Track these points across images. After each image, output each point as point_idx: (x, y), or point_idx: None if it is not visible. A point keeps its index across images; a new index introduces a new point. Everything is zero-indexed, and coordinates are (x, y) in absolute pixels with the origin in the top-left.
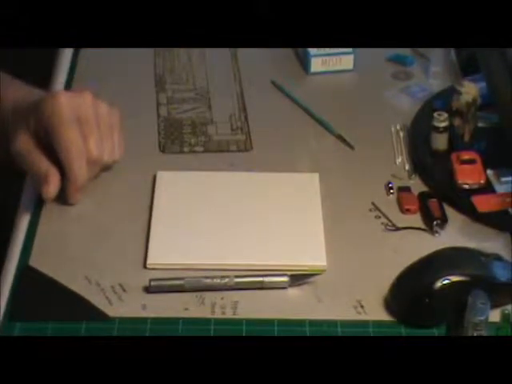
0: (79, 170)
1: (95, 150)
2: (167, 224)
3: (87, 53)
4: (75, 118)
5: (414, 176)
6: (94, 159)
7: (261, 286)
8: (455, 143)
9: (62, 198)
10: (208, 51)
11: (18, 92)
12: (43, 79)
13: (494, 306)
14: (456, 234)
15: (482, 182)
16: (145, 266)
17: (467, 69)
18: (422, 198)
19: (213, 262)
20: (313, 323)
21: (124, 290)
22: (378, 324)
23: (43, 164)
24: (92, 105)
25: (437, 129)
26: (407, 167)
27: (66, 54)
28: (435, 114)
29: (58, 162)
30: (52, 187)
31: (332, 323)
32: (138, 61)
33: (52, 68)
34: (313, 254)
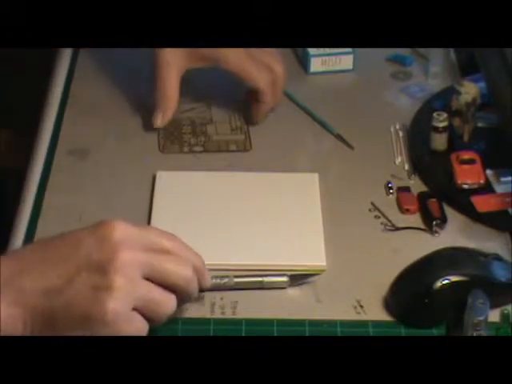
0: None
1: None
2: (167, 224)
3: (87, 53)
4: None
5: (413, 176)
6: None
7: (260, 286)
8: (455, 143)
9: (62, 197)
10: None
11: None
12: (43, 79)
13: (494, 305)
14: (455, 234)
15: (481, 182)
16: None
17: (467, 69)
18: (422, 198)
19: (212, 261)
20: (312, 323)
21: None
22: (378, 324)
23: None
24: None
25: (436, 129)
26: (407, 167)
27: (66, 54)
28: (435, 114)
29: None
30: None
31: (331, 323)
32: (138, 61)
33: (52, 68)
34: (312, 254)
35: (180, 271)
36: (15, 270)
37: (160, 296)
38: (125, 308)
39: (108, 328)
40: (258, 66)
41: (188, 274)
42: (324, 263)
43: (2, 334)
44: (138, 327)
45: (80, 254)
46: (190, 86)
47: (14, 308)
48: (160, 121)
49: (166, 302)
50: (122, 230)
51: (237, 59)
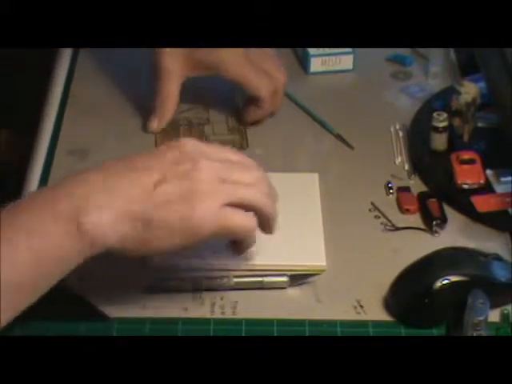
0: None
1: None
2: None
3: (87, 53)
4: None
5: (413, 176)
6: None
7: (260, 286)
8: (455, 143)
9: None
10: None
11: None
12: (43, 79)
13: (494, 305)
14: (455, 234)
15: (481, 182)
16: (144, 264)
17: (467, 69)
18: (422, 197)
19: (212, 262)
20: (312, 323)
21: (123, 290)
22: (378, 324)
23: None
24: None
25: (436, 129)
26: (407, 167)
27: (66, 54)
28: (435, 114)
29: None
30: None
31: (331, 323)
32: (138, 61)
33: (52, 68)
34: (312, 254)
35: (247, 177)
36: (105, 176)
37: (244, 192)
38: (217, 206)
39: (207, 229)
40: (259, 73)
41: (257, 174)
42: (324, 263)
43: (95, 242)
44: (241, 219)
45: (165, 164)
46: (188, 86)
47: (106, 212)
48: (156, 126)
49: (252, 199)
50: (196, 145)
51: (237, 67)
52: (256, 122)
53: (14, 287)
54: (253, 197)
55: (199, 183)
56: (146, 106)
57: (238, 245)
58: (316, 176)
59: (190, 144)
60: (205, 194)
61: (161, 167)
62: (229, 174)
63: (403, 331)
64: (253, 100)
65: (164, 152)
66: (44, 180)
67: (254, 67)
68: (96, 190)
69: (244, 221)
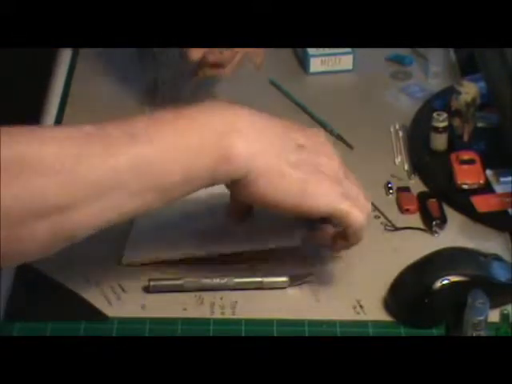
0: None
1: None
2: (150, 219)
3: (87, 53)
4: None
5: (413, 176)
6: None
7: (260, 286)
8: (454, 143)
9: None
10: None
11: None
12: (43, 79)
13: (494, 306)
14: (455, 234)
15: (481, 182)
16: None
17: (466, 69)
18: (422, 198)
19: (194, 251)
20: (312, 323)
21: (123, 290)
22: (377, 324)
23: None
24: None
25: (436, 129)
26: (406, 167)
27: (66, 53)
28: (434, 114)
29: None
30: None
31: (331, 323)
32: (138, 61)
33: (52, 68)
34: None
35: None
36: (253, 118)
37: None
38: (340, 192)
39: (324, 207)
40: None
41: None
42: (298, 243)
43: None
44: (358, 213)
45: (306, 137)
46: (190, 85)
47: (254, 143)
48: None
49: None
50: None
51: None
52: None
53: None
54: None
55: (327, 169)
56: (145, 105)
57: (342, 238)
58: None
59: (322, 135)
60: (330, 178)
61: (303, 135)
62: (344, 180)
63: (403, 331)
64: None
65: (304, 129)
66: None
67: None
68: (247, 124)
69: (359, 215)
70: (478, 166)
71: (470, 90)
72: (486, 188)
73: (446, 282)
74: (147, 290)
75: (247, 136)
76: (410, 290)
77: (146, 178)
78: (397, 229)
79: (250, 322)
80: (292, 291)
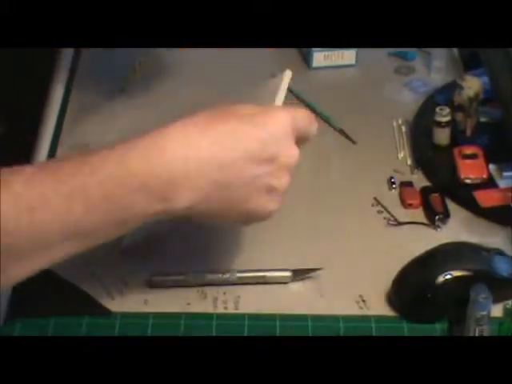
0: None
1: None
2: None
3: (88, 53)
4: None
5: (416, 171)
6: None
7: (263, 281)
8: (457, 138)
9: None
10: None
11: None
12: (43, 79)
13: (496, 300)
14: (458, 228)
15: (484, 176)
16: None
17: (469, 63)
18: (425, 192)
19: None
20: (315, 318)
21: (126, 285)
22: (380, 319)
23: None
24: None
25: (439, 123)
26: (409, 162)
27: (67, 53)
28: (437, 109)
29: None
30: None
31: (334, 318)
32: (138, 61)
33: (52, 68)
34: None
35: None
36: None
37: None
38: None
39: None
40: None
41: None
42: None
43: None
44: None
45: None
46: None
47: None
48: None
49: None
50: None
51: None
52: None
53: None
54: None
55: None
56: (147, 101)
57: None
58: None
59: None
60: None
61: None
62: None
63: (406, 326)
64: None
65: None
66: None
67: None
68: (196, 174)
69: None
70: (480, 160)
71: (472, 85)
72: (489, 183)
73: (448, 276)
74: (150, 284)
75: (193, 185)
76: (412, 284)
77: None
78: (400, 224)
79: (252, 317)
80: (295, 286)
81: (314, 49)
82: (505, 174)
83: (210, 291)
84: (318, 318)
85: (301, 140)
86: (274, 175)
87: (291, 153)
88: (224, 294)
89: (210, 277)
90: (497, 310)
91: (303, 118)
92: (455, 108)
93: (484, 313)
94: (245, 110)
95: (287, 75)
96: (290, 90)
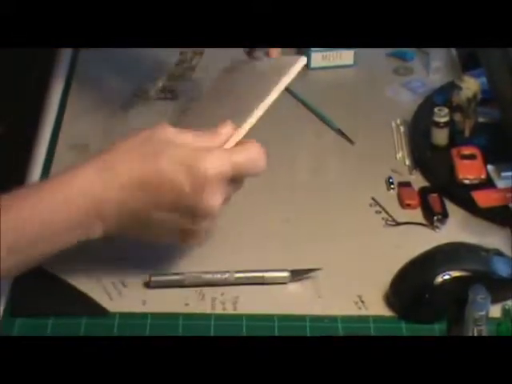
0: None
1: None
2: None
3: (87, 53)
4: None
5: (414, 171)
6: None
7: (261, 282)
8: (456, 138)
9: None
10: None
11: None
12: (42, 80)
13: (495, 301)
14: (456, 229)
15: (482, 177)
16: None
17: (468, 64)
18: (423, 193)
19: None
20: (313, 319)
21: (124, 285)
22: (379, 319)
23: None
24: None
25: (437, 124)
26: (408, 162)
27: (66, 54)
28: (436, 109)
29: None
30: None
31: (332, 319)
32: (137, 61)
33: (51, 69)
34: None
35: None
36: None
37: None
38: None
39: None
40: None
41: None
42: None
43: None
44: None
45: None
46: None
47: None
48: None
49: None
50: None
51: None
52: None
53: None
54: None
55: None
56: (145, 102)
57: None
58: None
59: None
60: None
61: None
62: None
63: (404, 326)
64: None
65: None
66: (45, 175)
67: None
68: (111, 213)
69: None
70: (479, 161)
71: (471, 86)
72: (487, 183)
73: (447, 277)
74: (148, 285)
75: (109, 223)
76: (411, 285)
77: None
78: (398, 224)
79: (251, 318)
80: (293, 286)
81: (312, 49)
82: (503, 174)
83: (208, 292)
84: (316, 319)
85: (242, 177)
86: (189, 222)
87: (212, 202)
88: (222, 294)
89: (208, 277)
90: (495, 311)
91: (247, 159)
92: (453, 108)
93: (482, 313)
94: (176, 150)
95: (301, 61)
96: (288, 91)
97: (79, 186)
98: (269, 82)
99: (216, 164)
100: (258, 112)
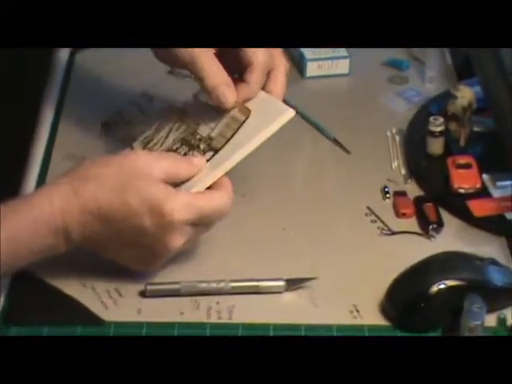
0: None
1: None
2: None
3: (84, 53)
4: None
5: (409, 180)
6: None
7: (257, 291)
8: (451, 147)
9: None
10: None
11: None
12: (41, 79)
13: (490, 310)
14: (452, 238)
15: (477, 186)
16: None
17: (463, 73)
18: (418, 202)
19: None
20: (308, 328)
21: (119, 295)
22: (374, 328)
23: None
24: None
25: (433, 133)
26: (403, 171)
27: (63, 53)
28: (431, 119)
29: None
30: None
31: (328, 328)
32: (137, 61)
33: (49, 68)
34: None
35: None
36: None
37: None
38: None
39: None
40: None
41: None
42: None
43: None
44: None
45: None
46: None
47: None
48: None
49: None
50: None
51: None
52: (242, 109)
53: None
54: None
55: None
56: (142, 111)
57: None
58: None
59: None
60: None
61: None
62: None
63: (399, 335)
64: (241, 77)
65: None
66: (40, 184)
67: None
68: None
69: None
70: (474, 170)
71: (466, 95)
72: (483, 192)
73: (442, 286)
74: (144, 294)
75: (73, 243)
76: (406, 294)
77: None
78: (393, 233)
79: (246, 327)
80: (289, 296)
81: (307, 58)
82: (498, 183)
83: (204, 301)
84: (311, 328)
85: (207, 223)
86: (147, 256)
87: (172, 244)
88: (217, 303)
89: (204, 286)
90: (490, 320)
91: (213, 209)
92: (449, 117)
93: (478, 322)
94: (145, 185)
95: (289, 113)
96: (283, 100)
97: (47, 209)
98: (251, 127)
99: (182, 208)
100: (235, 159)
